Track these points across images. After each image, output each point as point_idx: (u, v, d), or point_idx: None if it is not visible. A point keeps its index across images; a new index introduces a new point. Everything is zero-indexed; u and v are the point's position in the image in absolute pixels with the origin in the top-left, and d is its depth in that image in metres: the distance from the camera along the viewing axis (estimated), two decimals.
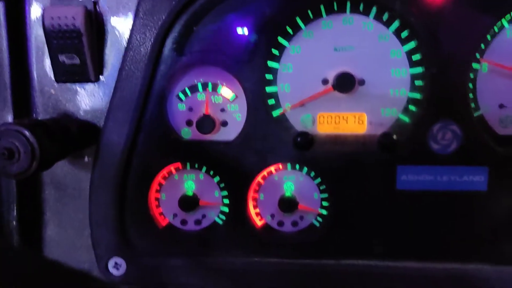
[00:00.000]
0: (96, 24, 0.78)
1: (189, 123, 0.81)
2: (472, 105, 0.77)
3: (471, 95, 0.76)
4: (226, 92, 0.80)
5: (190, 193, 0.82)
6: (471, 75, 0.76)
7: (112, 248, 0.80)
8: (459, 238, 0.79)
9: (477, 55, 0.75)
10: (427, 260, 0.79)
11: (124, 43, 0.77)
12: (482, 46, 0.75)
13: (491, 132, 0.78)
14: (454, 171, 0.77)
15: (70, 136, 0.77)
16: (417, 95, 0.77)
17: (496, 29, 0.75)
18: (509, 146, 0.77)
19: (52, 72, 0.79)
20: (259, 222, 0.83)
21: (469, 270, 0.78)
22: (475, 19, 0.74)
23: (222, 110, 0.80)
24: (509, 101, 0.77)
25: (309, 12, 0.76)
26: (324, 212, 0.81)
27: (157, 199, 0.83)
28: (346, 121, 0.79)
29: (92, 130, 0.80)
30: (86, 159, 0.82)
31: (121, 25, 0.78)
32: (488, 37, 0.75)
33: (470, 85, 0.76)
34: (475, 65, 0.76)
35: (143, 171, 0.80)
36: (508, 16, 0.75)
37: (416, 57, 0.76)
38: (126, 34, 0.78)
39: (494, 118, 0.78)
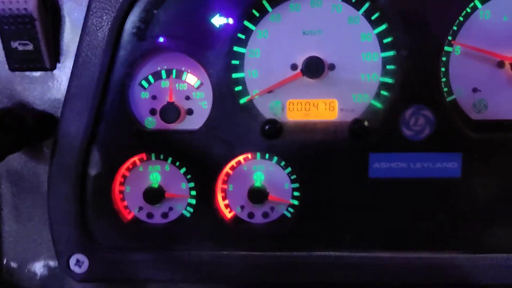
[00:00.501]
0: (51, 8, 0.74)
1: (152, 112, 0.78)
2: (445, 89, 0.74)
3: (444, 79, 0.74)
4: (191, 79, 0.77)
5: (155, 185, 0.79)
6: (444, 58, 0.74)
7: (73, 245, 0.77)
8: (433, 227, 0.77)
9: (450, 38, 0.73)
10: (400, 249, 0.77)
11: None
12: (455, 28, 0.73)
13: (465, 117, 0.75)
14: (428, 157, 0.75)
15: (25, 127, 0.73)
16: (389, 80, 0.74)
17: (469, 10, 0.73)
18: (482, 131, 0.75)
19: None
20: (228, 214, 0.81)
21: (443, 259, 0.76)
22: (447, 0, 0.72)
23: (187, 98, 0.78)
24: (482, 85, 0.75)
25: None
26: (295, 202, 0.79)
27: (121, 192, 0.80)
28: (317, 108, 0.77)
29: (50, 120, 0.76)
30: (44, 151, 0.79)
31: (78, 9, 0.75)
32: (461, 18, 0.73)
33: (443, 69, 0.74)
34: (447, 48, 0.74)
35: (105, 163, 0.77)
36: None
37: (387, 40, 0.73)
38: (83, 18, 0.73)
39: (468, 102, 0.76)
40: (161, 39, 0.74)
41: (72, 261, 0.78)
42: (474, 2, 0.72)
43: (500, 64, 0.74)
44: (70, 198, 0.76)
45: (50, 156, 0.75)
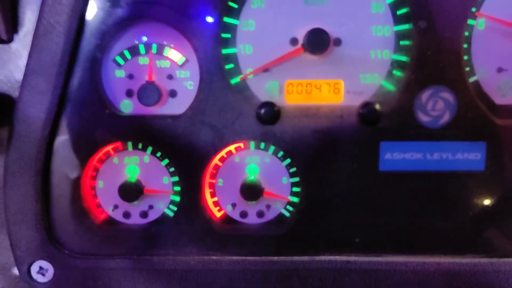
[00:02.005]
0: None
1: (129, 93, 0.74)
2: (467, 69, 0.71)
3: (465, 57, 0.71)
4: (174, 55, 0.73)
5: (133, 180, 0.75)
6: (466, 33, 0.70)
7: (35, 250, 0.72)
8: (452, 227, 0.74)
9: (473, 9, 0.70)
10: (415, 253, 0.74)
11: None
12: None
13: (489, 101, 0.72)
14: (447, 147, 0.72)
15: None
16: (403, 58, 0.71)
17: None
18: (509, 117, 0.72)
19: None
20: (217, 213, 0.77)
21: (464, 264, 0.72)
22: None
23: (170, 77, 0.73)
24: (508, 64, 0.71)
25: None
26: (295, 199, 0.75)
27: (93, 187, 0.76)
28: (320, 90, 0.73)
29: (5, 102, 0.69)
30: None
31: None
32: None
33: (465, 45, 0.71)
34: (470, 21, 0.70)
35: (73, 153, 0.72)
36: None
37: (402, 11, 0.70)
38: None
39: (492, 84, 0.72)
40: (138, 6, 0.69)
41: (34, 268, 0.73)
42: None
43: None
44: (30, 195, 0.71)
45: (6, 145, 0.70)
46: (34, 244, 0.72)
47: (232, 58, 0.71)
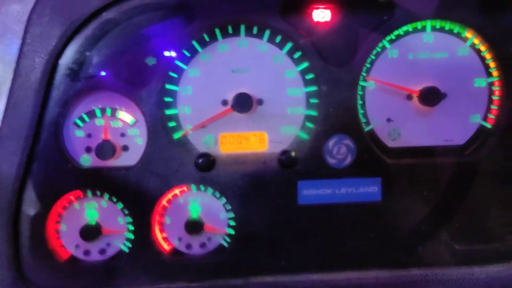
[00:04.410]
0: None
1: (88, 149, 0.79)
2: (363, 120, 0.82)
3: (361, 111, 0.81)
4: (125, 116, 0.79)
5: (92, 222, 0.80)
6: (360, 92, 0.81)
7: (5, 287, 0.75)
8: (358, 247, 0.82)
9: (364, 74, 0.80)
10: (330, 270, 0.81)
11: None
12: (368, 65, 0.81)
13: (382, 145, 0.83)
14: (351, 183, 0.81)
15: None
16: (313, 112, 0.80)
17: (379, 49, 0.81)
18: (398, 157, 0.82)
19: None
20: (166, 247, 0.83)
21: (368, 276, 0.81)
22: (359, 40, 0.79)
23: (122, 134, 0.80)
24: (395, 115, 0.82)
25: (205, 35, 0.78)
26: (231, 231, 0.82)
27: (57, 230, 0.80)
28: (248, 140, 0.81)
29: None
30: None
31: (9, 51, 0.73)
32: (373, 57, 0.81)
33: (360, 102, 0.81)
34: (363, 83, 0.81)
35: (39, 202, 0.77)
36: (388, 37, 0.80)
37: (309, 76, 0.80)
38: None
39: (383, 131, 0.83)
40: (94, 79, 0.76)
41: None
42: (383, 42, 0.80)
43: (409, 97, 0.82)
44: (2, 240, 0.75)
45: None
46: (6, 282, 0.75)
47: (174, 118, 0.78)
